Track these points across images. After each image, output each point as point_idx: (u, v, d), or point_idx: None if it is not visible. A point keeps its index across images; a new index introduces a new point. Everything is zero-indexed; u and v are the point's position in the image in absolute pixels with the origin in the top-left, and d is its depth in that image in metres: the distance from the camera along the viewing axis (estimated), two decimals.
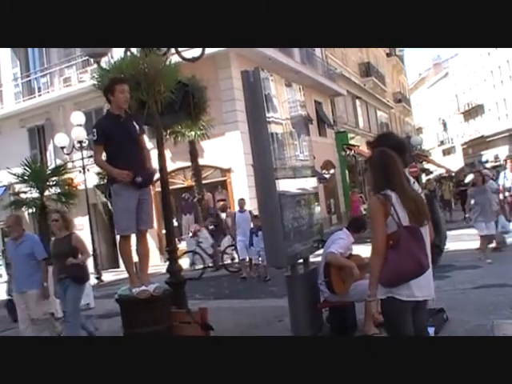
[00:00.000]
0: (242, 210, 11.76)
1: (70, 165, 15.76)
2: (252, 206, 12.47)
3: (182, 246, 14.33)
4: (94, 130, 4.61)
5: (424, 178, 35.40)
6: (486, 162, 49.18)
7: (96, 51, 5.20)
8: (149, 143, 5.26)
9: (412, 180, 3.52)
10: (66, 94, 18.65)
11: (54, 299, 6.58)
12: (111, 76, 5.03)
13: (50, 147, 19.44)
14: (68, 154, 15.13)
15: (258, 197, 5.12)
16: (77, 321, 6.09)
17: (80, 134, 14.55)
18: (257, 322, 6.54)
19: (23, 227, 6.50)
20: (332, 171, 23.78)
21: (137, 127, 4.68)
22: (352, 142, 26.26)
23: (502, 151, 48.06)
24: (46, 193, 13.91)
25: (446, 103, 64.91)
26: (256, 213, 10.82)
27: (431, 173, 41.62)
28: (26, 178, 13.94)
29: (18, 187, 15.82)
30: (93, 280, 12.97)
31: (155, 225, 13.15)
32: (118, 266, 16.07)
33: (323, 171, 22.26)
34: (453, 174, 34.66)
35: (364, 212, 18.99)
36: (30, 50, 20.23)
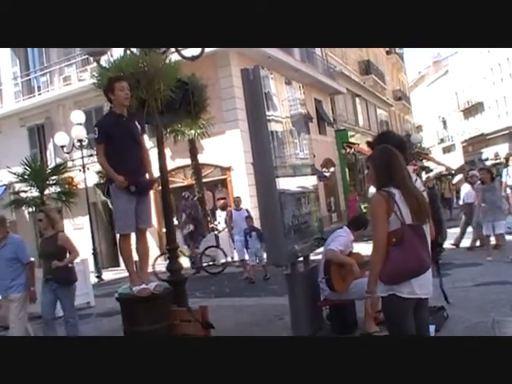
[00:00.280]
0: (238, 208, 11.64)
1: (69, 164, 15.78)
2: (252, 204, 12.46)
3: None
4: (96, 128, 4.61)
5: (424, 175, 35.37)
6: (486, 159, 49.17)
7: (96, 50, 5.19)
8: (149, 142, 5.27)
9: (414, 177, 3.52)
10: (66, 92, 18.62)
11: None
12: (111, 74, 5.03)
13: (50, 146, 19.43)
14: (68, 153, 15.11)
15: (258, 195, 5.12)
16: (76, 320, 6.07)
17: (80, 132, 14.53)
18: (257, 320, 6.54)
19: (7, 229, 6.16)
20: (332, 169, 23.77)
21: (138, 127, 4.68)
22: (352, 140, 26.25)
23: (502, 149, 48.06)
24: (46, 192, 13.96)
25: (445, 101, 64.88)
26: (253, 211, 10.78)
27: (431, 171, 41.62)
28: (26, 177, 13.98)
29: (18, 186, 15.87)
30: (93, 279, 13.00)
31: (155, 223, 13.19)
32: (118, 265, 16.08)
33: (323, 169, 22.25)
34: (453, 172, 34.64)
35: (364, 210, 19.00)
36: (29, 49, 20.19)
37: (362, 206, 20.46)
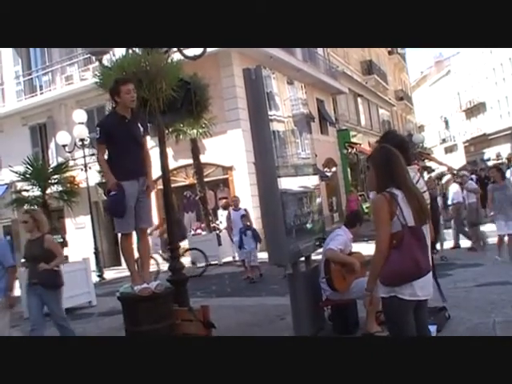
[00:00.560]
0: (236, 208, 11.59)
1: (71, 163, 15.78)
2: (254, 203, 12.44)
3: (184, 243, 14.31)
4: (98, 128, 4.61)
5: (426, 176, 35.33)
6: (488, 159, 49.09)
7: (98, 49, 5.22)
8: (150, 141, 5.26)
9: (417, 177, 3.51)
10: (68, 91, 18.66)
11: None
12: (113, 74, 5.03)
13: (52, 145, 19.47)
14: (70, 152, 15.13)
15: (259, 194, 5.12)
16: (67, 322, 5.91)
17: (82, 131, 14.56)
18: (259, 320, 6.54)
19: None
20: (334, 169, 23.78)
21: (141, 129, 4.68)
22: (354, 139, 26.25)
23: (504, 149, 47.99)
24: (48, 191, 13.95)
25: (447, 101, 64.79)
26: (254, 211, 10.75)
27: (433, 171, 41.55)
28: (27, 176, 13.98)
29: (19, 185, 15.86)
30: (95, 278, 13.01)
31: (157, 223, 13.17)
32: (119, 264, 16.08)
33: (325, 169, 22.24)
34: (455, 172, 34.61)
35: (366, 210, 18.98)
36: (31, 48, 20.22)
37: (364, 206, 20.44)
